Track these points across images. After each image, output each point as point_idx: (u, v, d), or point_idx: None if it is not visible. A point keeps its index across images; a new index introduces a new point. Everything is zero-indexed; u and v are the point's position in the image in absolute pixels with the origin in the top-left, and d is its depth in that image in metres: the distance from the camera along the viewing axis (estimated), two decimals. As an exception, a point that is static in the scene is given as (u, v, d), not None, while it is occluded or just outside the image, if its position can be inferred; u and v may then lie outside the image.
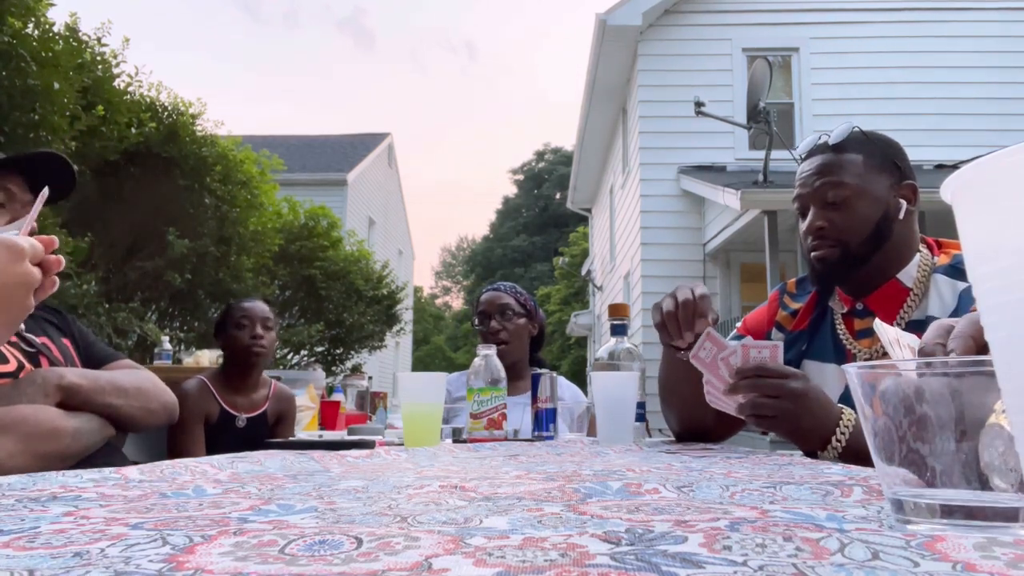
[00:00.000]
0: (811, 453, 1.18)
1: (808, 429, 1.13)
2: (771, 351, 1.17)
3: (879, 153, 1.33)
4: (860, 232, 1.29)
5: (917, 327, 1.20)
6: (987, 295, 0.32)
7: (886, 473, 0.46)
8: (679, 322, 1.25)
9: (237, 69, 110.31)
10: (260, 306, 2.51)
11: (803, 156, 1.39)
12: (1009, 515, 0.41)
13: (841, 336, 1.37)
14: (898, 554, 0.36)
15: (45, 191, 0.94)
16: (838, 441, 1.12)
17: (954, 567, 0.34)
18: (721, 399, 1.20)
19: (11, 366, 1.24)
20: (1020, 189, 0.30)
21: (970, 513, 0.42)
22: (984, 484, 0.42)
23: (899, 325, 1.27)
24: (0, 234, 0.92)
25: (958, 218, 0.34)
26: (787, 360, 1.37)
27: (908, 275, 1.31)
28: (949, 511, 0.43)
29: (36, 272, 0.84)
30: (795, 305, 1.48)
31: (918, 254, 1.33)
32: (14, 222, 1.09)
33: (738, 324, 1.58)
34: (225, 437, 2.36)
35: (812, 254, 1.34)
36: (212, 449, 2.33)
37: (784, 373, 1.14)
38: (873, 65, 8.42)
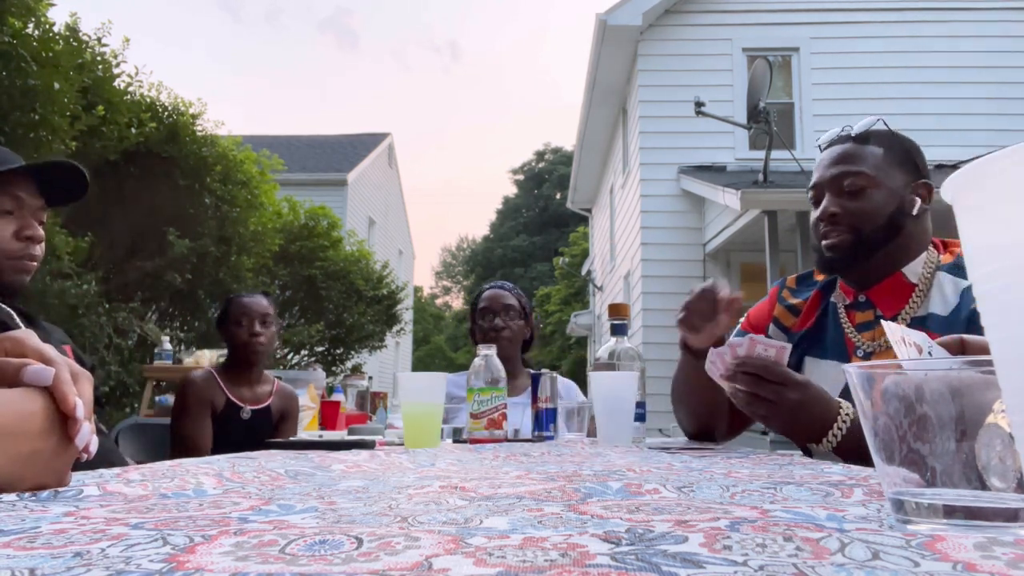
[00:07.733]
0: (805, 448, 1.19)
1: (803, 426, 1.15)
2: (777, 352, 1.17)
3: (899, 148, 1.34)
4: (873, 222, 1.30)
5: (919, 323, 1.21)
6: (987, 295, 0.32)
7: (886, 473, 0.46)
8: (693, 313, 1.31)
9: (224, 69, 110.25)
10: (259, 302, 2.51)
11: (825, 146, 1.39)
12: (1009, 515, 0.41)
13: (846, 329, 1.37)
14: (898, 554, 0.36)
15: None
16: (834, 436, 1.13)
17: (954, 567, 0.34)
18: (717, 376, 1.22)
19: None
20: (1020, 189, 0.30)
21: (971, 513, 0.42)
22: (984, 484, 0.42)
23: (903, 320, 1.27)
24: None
25: (958, 218, 0.34)
26: (791, 358, 1.37)
27: (913, 271, 1.31)
28: (949, 511, 0.43)
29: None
30: (794, 300, 1.48)
31: (925, 252, 1.33)
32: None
33: (741, 320, 1.58)
34: (230, 427, 2.40)
35: (823, 241, 1.34)
36: (217, 438, 2.36)
37: (785, 380, 1.14)
38: (873, 65, 8.41)
